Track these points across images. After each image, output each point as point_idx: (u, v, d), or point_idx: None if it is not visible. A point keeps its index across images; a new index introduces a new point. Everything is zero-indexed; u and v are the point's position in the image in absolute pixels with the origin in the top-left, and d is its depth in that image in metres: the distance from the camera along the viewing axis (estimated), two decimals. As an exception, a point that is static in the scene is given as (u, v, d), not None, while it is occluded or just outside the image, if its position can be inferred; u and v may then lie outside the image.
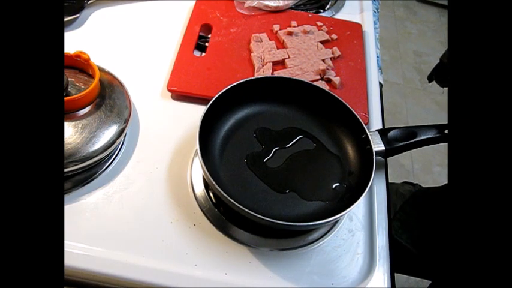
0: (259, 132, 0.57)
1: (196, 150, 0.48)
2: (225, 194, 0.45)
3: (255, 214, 0.44)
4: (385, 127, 0.60)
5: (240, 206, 0.44)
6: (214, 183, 0.46)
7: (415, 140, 0.56)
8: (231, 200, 0.45)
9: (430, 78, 0.88)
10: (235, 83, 0.55)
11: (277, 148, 0.55)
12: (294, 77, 0.60)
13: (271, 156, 0.55)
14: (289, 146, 0.56)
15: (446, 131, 0.56)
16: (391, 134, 0.56)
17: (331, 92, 0.58)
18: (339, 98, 0.57)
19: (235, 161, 0.53)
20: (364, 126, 0.55)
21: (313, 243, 0.51)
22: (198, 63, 0.65)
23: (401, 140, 0.56)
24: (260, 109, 0.59)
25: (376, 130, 0.57)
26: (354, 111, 0.56)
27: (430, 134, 0.56)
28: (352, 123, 0.56)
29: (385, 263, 0.50)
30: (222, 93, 0.54)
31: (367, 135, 0.54)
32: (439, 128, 0.57)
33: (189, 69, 0.64)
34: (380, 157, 0.56)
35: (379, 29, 0.83)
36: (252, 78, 0.57)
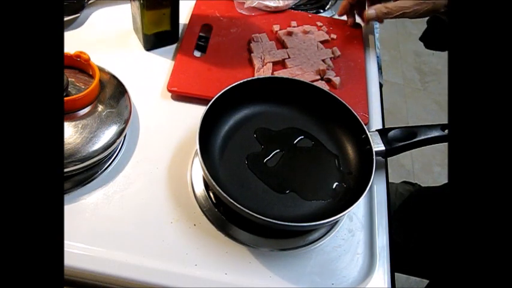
0: (259, 132, 0.57)
1: (196, 150, 0.48)
2: (225, 194, 0.45)
3: (255, 214, 0.44)
4: (385, 127, 0.60)
5: (240, 206, 0.44)
6: (214, 183, 0.46)
7: (415, 140, 0.56)
8: (231, 200, 0.45)
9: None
10: (235, 83, 0.55)
11: (277, 148, 0.55)
12: (294, 77, 0.60)
13: (271, 156, 0.55)
14: (289, 147, 0.56)
15: (446, 131, 0.56)
16: (391, 134, 0.56)
17: (331, 92, 0.58)
18: (339, 98, 0.57)
19: (235, 161, 0.54)
20: (364, 126, 0.55)
21: (313, 243, 0.51)
22: (198, 63, 0.65)
23: (401, 140, 0.56)
24: (260, 109, 0.59)
25: (376, 130, 0.57)
26: (354, 111, 0.56)
27: (430, 134, 0.56)
28: (352, 123, 0.56)
29: (385, 263, 0.50)
30: (222, 93, 0.54)
31: (367, 135, 0.54)
32: (439, 127, 0.57)
33: (189, 69, 0.64)
34: (380, 157, 0.56)
35: (379, 29, 0.83)
36: (252, 78, 0.57)
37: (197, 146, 0.48)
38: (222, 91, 0.54)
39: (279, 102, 0.59)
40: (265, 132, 0.57)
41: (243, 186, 0.51)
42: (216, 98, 0.53)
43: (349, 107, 0.56)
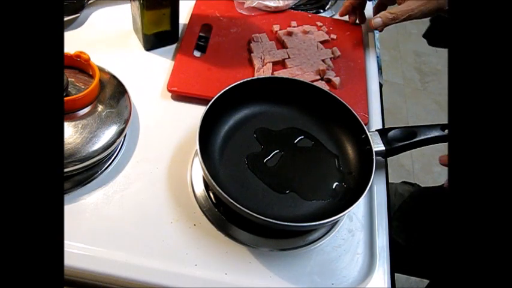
0: (259, 132, 0.57)
1: (196, 150, 0.48)
2: (224, 195, 0.45)
3: (255, 214, 0.44)
4: (385, 127, 0.60)
5: (239, 206, 0.44)
6: (214, 183, 0.46)
7: (415, 140, 0.56)
8: (231, 200, 0.45)
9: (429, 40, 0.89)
10: (235, 83, 0.55)
11: (277, 148, 0.55)
12: (294, 77, 0.60)
13: (271, 156, 0.55)
14: (289, 147, 0.56)
15: (446, 131, 0.56)
16: (391, 134, 0.56)
17: (331, 92, 0.58)
18: (339, 98, 0.57)
19: (235, 161, 0.53)
20: (364, 126, 0.55)
21: (313, 243, 0.51)
22: (198, 63, 0.65)
23: (401, 140, 0.56)
24: (260, 109, 0.59)
25: (376, 130, 0.57)
26: (354, 111, 0.56)
27: (430, 134, 0.56)
28: (352, 124, 0.56)
29: (385, 263, 0.50)
30: (222, 93, 0.54)
31: (367, 135, 0.54)
32: (439, 127, 0.57)
33: (189, 69, 0.64)
34: (380, 157, 0.56)
35: (379, 29, 0.83)
36: (252, 78, 0.57)
37: (197, 146, 0.48)
38: (222, 91, 0.54)
39: (279, 102, 0.59)
40: (265, 132, 0.57)
41: (243, 186, 0.51)
42: (216, 98, 0.53)
43: (349, 107, 0.56)
